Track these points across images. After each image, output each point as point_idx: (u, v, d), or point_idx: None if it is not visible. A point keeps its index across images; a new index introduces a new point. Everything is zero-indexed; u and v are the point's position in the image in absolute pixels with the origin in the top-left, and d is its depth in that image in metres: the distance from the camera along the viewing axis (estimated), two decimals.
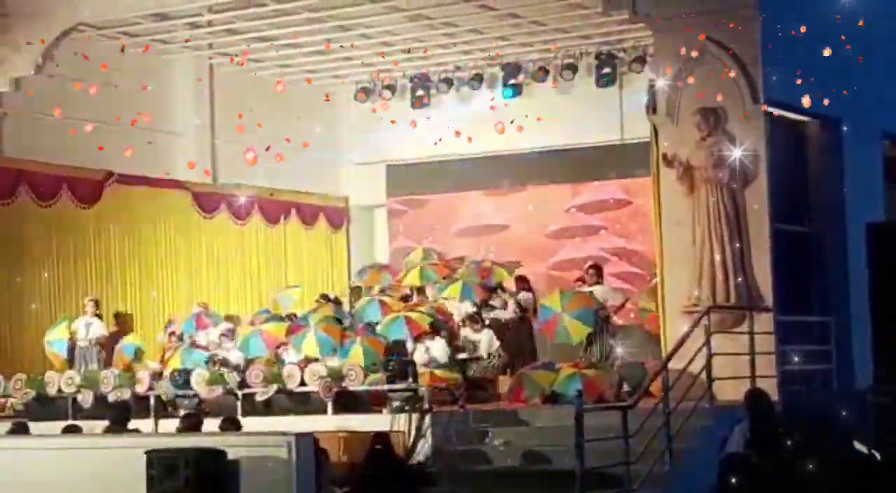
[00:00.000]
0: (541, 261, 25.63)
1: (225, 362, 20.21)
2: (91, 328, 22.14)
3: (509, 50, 24.96)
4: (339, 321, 21.24)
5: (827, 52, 18.82)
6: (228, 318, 23.03)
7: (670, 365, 16.14)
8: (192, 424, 16.36)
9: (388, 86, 26.37)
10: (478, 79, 25.92)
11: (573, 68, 24.97)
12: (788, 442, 13.91)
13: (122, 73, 22.88)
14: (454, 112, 26.24)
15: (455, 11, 22.19)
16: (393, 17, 22.29)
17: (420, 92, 26.22)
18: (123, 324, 23.22)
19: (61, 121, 21.34)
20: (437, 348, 20.29)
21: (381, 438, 16.10)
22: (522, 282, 22.89)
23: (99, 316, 22.40)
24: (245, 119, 24.45)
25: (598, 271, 21.42)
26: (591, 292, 20.71)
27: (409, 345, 20.26)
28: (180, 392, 19.61)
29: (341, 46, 23.84)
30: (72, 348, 21.93)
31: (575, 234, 25.85)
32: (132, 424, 17.55)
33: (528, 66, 25.51)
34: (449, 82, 26.05)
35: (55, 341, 21.91)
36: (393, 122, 25.53)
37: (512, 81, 25.55)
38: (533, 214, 26.13)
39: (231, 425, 16.54)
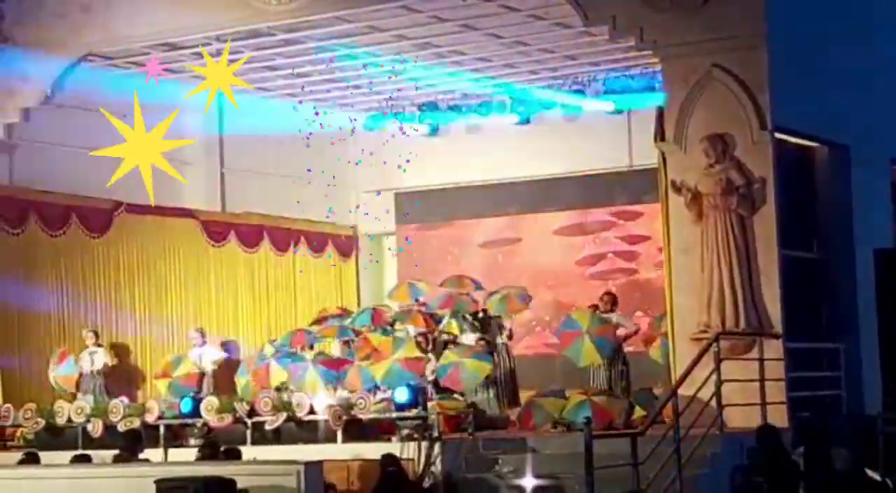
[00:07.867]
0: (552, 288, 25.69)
1: None
2: (96, 358, 22.20)
3: (517, 77, 24.99)
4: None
5: (834, 78, 18.89)
6: (224, 344, 23.20)
7: (680, 392, 16.12)
8: (209, 453, 16.39)
9: (396, 114, 26.41)
10: (486, 106, 25.97)
11: (582, 95, 24.99)
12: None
13: (130, 103, 22.87)
14: (463, 139, 26.31)
15: (463, 40, 22.22)
16: (401, 45, 22.31)
17: (429, 120, 26.27)
18: (120, 354, 23.19)
19: (70, 150, 21.36)
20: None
21: (391, 459, 16.13)
22: None
23: (100, 345, 22.47)
24: (254, 147, 24.54)
25: (612, 298, 21.18)
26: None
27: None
28: (189, 421, 19.62)
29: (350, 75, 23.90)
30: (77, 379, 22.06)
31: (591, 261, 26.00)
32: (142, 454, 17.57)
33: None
34: (458, 110, 26.10)
35: (66, 365, 21.96)
36: (401, 150, 25.63)
37: (520, 108, 25.62)
38: (543, 240, 26.17)
39: (228, 455, 16.55)
